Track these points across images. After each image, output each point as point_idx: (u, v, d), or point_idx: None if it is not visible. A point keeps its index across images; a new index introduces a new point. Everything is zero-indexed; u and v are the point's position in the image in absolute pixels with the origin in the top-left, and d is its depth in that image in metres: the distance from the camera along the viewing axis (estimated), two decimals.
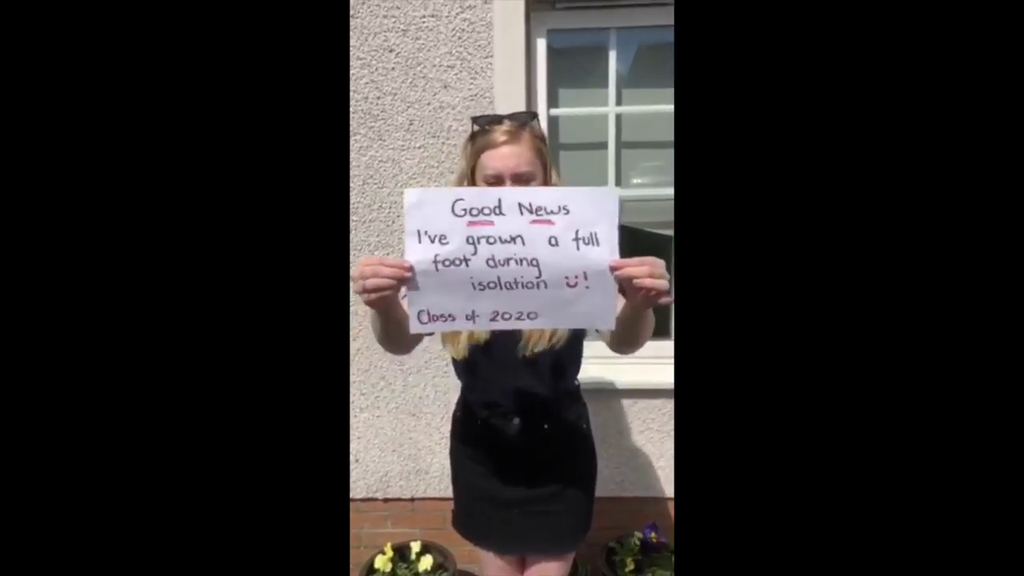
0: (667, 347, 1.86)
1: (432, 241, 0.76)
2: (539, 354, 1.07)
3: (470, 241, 0.76)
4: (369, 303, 0.78)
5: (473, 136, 1.03)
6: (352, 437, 1.84)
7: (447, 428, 1.33)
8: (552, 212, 0.75)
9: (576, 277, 0.76)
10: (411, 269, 0.76)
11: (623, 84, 1.82)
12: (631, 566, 1.60)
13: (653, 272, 0.76)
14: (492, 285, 0.77)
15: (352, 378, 1.80)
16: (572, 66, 1.82)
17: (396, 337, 0.93)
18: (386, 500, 1.86)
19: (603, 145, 1.82)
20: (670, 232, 1.81)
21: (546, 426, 1.13)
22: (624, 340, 0.96)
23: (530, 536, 1.19)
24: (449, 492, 1.31)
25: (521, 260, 0.76)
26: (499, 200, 0.75)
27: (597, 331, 0.93)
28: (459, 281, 0.77)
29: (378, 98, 1.68)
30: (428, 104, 1.68)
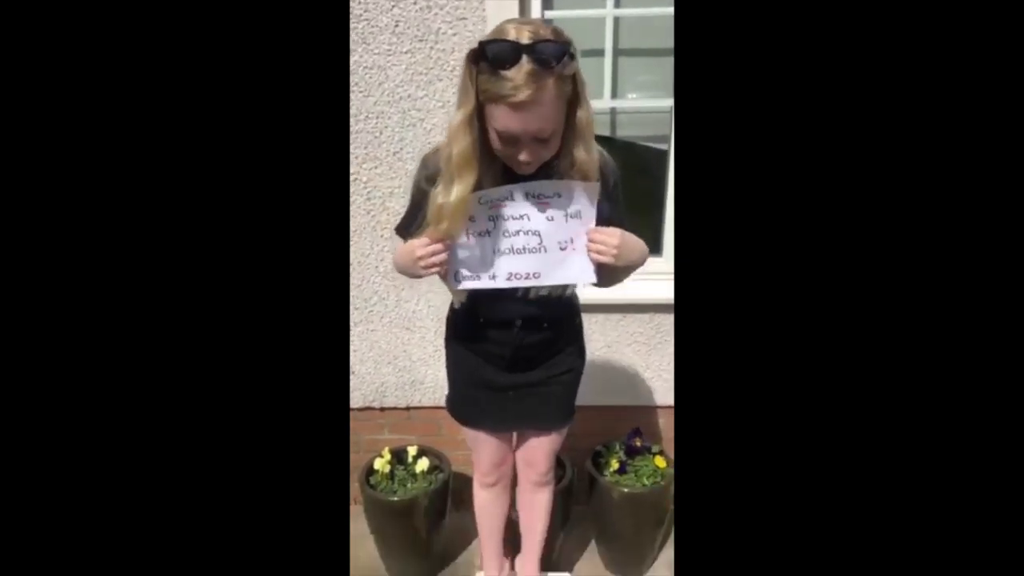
0: (654, 263, 1.88)
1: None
2: (539, 295, 1.13)
3: (491, 218, 1.04)
4: (428, 275, 1.05)
5: (476, 59, 0.85)
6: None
7: (440, 342, 1.36)
8: (550, 197, 1.03)
9: (567, 242, 1.05)
10: (450, 242, 1.03)
11: None
12: (615, 466, 1.70)
13: (596, 240, 1.02)
14: (507, 251, 1.06)
15: None
16: None
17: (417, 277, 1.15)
18: (383, 409, 1.94)
19: (600, 52, 1.73)
20: (665, 146, 1.77)
21: (546, 325, 1.19)
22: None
23: (522, 414, 1.28)
24: (444, 400, 1.37)
25: (528, 232, 1.05)
26: (511, 192, 1.03)
27: None
28: (484, 248, 1.06)
29: None
30: (414, 3, 1.57)
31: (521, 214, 1.04)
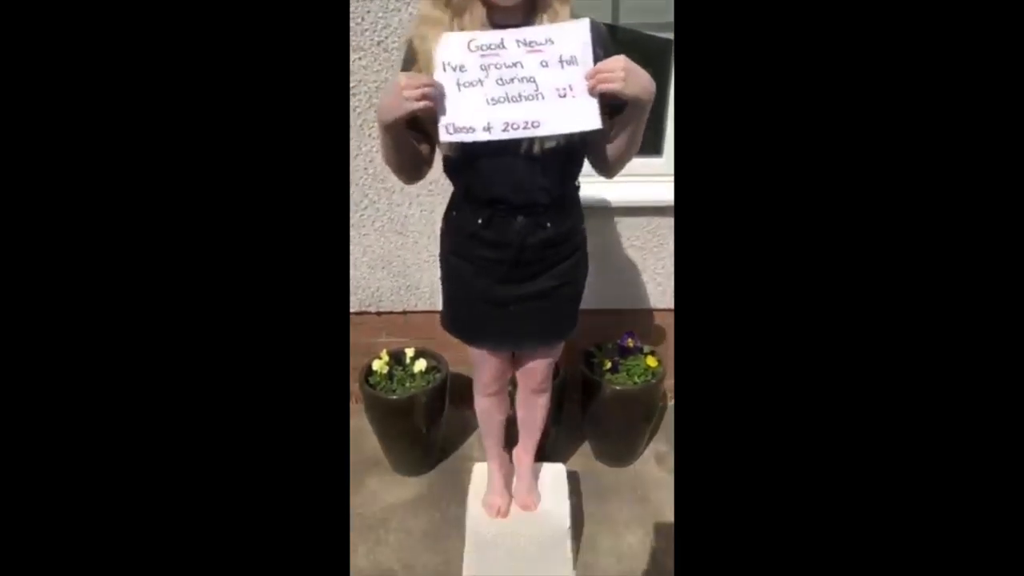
0: (654, 164, 1.82)
1: (454, 70, 0.98)
2: (547, 152, 1.04)
3: (483, 68, 0.98)
4: (415, 109, 0.96)
5: None
6: None
7: (434, 247, 1.34)
8: (541, 44, 0.97)
9: (565, 88, 0.98)
10: (439, 86, 0.98)
11: None
12: (608, 366, 1.75)
13: (602, 70, 0.96)
14: (502, 99, 0.99)
15: None
16: None
17: (410, 165, 1.12)
18: (379, 314, 1.96)
19: None
20: (670, 35, 1.65)
21: (548, 224, 1.13)
22: (609, 160, 1.12)
23: (523, 330, 1.25)
24: (439, 305, 1.37)
25: (522, 79, 0.98)
26: (501, 39, 0.97)
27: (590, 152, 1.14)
28: (477, 98, 0.99)
29: None
30: None
31: (514, 62, 0.97)
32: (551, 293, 1.20)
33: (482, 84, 0.98)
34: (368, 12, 1.53)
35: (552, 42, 0.97)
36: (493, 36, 0.97)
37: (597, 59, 0.97)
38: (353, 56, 1.58)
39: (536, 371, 1.38)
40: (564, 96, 0.98)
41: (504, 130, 0.99)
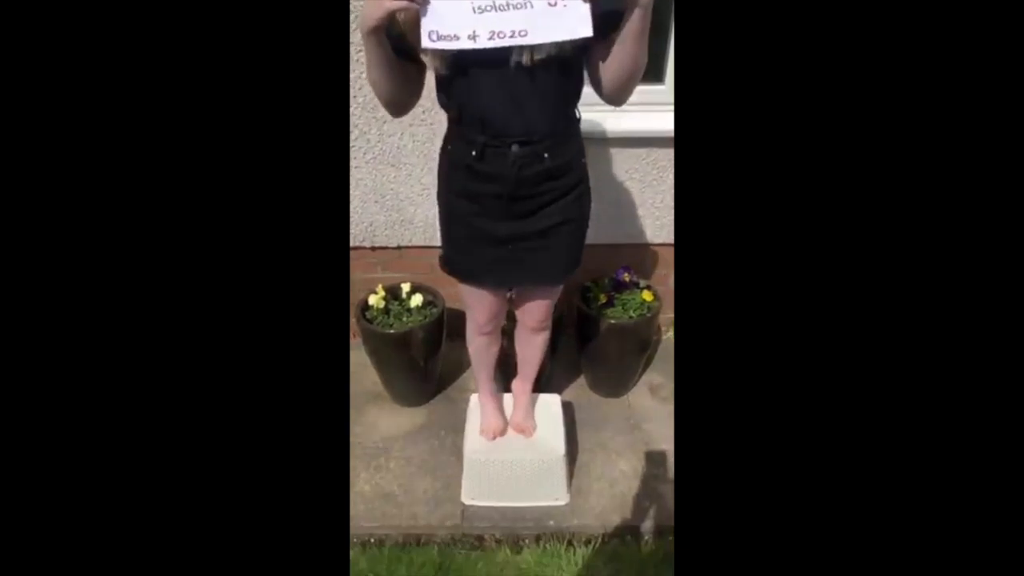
0: (655, 92, 1.75)
1: None
2: (538, 63, 0.98)
3: None
4: (395, 8, 0.90)
5: None
6: None
7: (428, 179, 1.30)
8: None
9: None
10: None
11: None
12: (603, 300, 1.76)
13: None
14: (488, 8, 0.93)
15: None
16: None
17: (398, 86, 1.05)
18: (374, 248, 1.94)
19: None
20: None
21: (546, 155, 1.08)
22: (613, 75, 1.03)
23: (523, 269, 1.22)
24: (435, 241, 1.34)
25: None
26: None
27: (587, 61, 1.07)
28: (462, 5, 0.93)
29: None
30: None
31: None
32: (551, 231, 1.17)
33: None
34: None
35: None
36: None
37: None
38: None
39: (535, 310, 1.37)
40: (554, 5, 0.92)
41: (490, 38, 0.94)
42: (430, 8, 0.93)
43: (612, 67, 1.02)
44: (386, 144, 1.75)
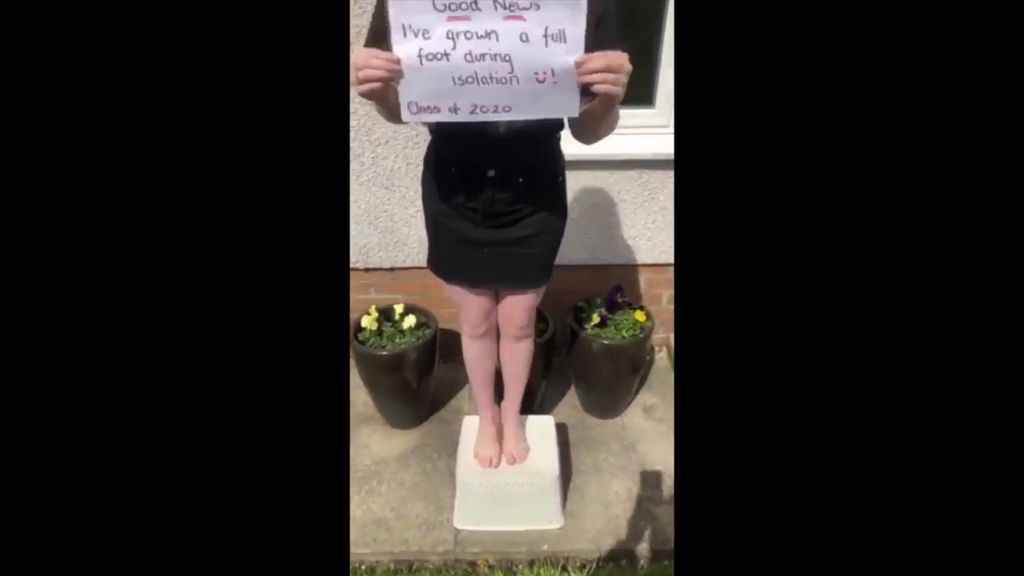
0: (645, 116, 1.78)
1: (416, 35, 0.84)
2: (515, 130, 1.03)
3: (450, 36, 0.83)
4: (362, 94, 0.87)
5: None
6: None
7: (421, 202, 1.32)
8: (524, 8, 0.81)
9: (545, 73, 0.85)
10: (399, 62, 0.85)
11: None
12: (596, 320, 1.76)
13: (609, 67, 0.84)
14: (471, 80, 0.86)
15: None
16: None
17: (395, 117, 0.98)
18: (367, 270, 1.94)
19: None
20: None
21: (521, 179, 1.14)
22: (586, 132, 1.06)
23: (501, 272, 1.28)
24: (427, 262, 1.36)
25: (495, 56, 0.84)
26: None
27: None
28: (442, 75, 0.86)
29: None
30: None
31: (488, 31, 0.82)
32: (525, 241, 1.22)
33: (448, 58, 0.84)
34: None
35: (538, 8, 0.81)
36: None
37: (588, 36, 0.83)
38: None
39: (516, 315, 1.39)
40: (543, 81, 0.85)
41: (472, 112, 0.89)
42: (409, 79, 0.86)
43: (586, 124, 1.04)
44: (380, 167, 1.76)
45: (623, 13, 1.02)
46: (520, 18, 0.82)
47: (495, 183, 1.12)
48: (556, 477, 1.53)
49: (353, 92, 0.88)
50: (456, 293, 1.36)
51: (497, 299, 1.39)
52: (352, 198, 1.81)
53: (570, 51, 0.84)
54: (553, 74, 0.85)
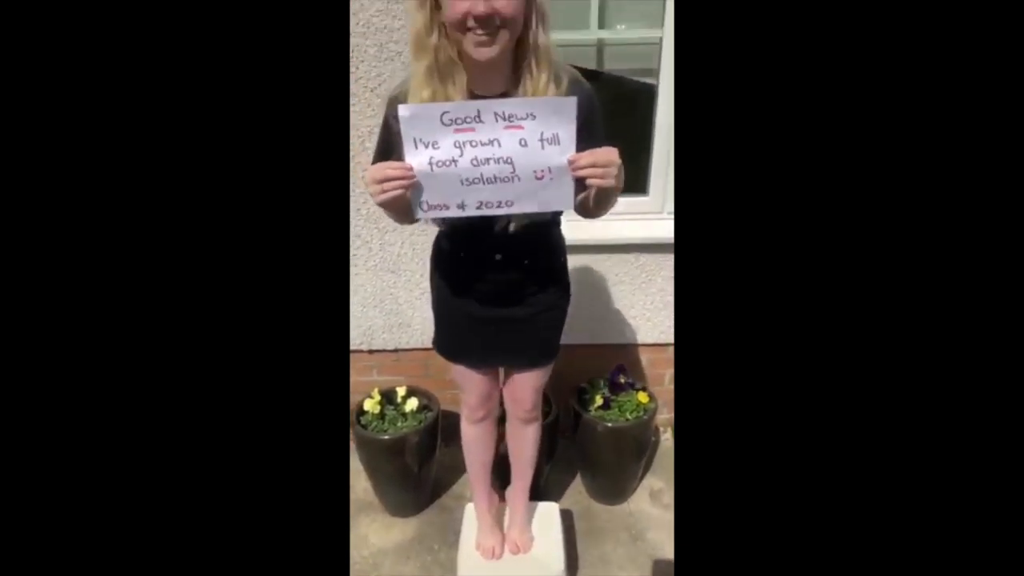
0: (640, 203, 1.86)
1: (427, 147, 0.95)
2: (519, 226, 1.10)
3: (457, 145, 0.94)
4: (382, 202, 0.97)
5: None
6: None
7: (426, 284, 1.36)
8: (521, 119, 0.93)
9: (543, 171, 0.96)
10: (411, 170, 0.95)
11: None
12: (599, 402, 1.75)
13: (596, 163, 0.94)
14: (476, 181, 0.97)
15: None
16: None
17: (404, 218, 1.09)
18: (371, 352, 1.96)
19: None
20: (654, 80, 1.71)
21: (526, 261, 1.19)
22: (588, 214, 1.14)
23: (505, 351, 1.30)
24: (431, 343, 1.38)
25: (498, 159, 0.95)
26: (477, 111, 0.93)
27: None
28: (451, 179, 0.97)
29: None
30: None
31: (490, 139, 0.93)
32: (531, 319, 1.25)
33: (456, 164, 0.95)
34: (363, 61, 1.59)
35: (534, 117, 0.93)
36: (468, 108, 0.93)
37: (578, 137, 0.94)
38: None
39: (523, 396, 1.39)
40: (541, 178, 0.97)
41: (478, 207, 1.00)
42: (421, 184, 0.97)
43: (586, 211, 1.13)
44: (387, 252, 1.83)
45: (611, 122, 1.12)
46: (519, 127, 0.94)
47: (502, 265, 1.18)
48: (562, 570, 1.46)
49: (366, 195, 0.95)
50: (459, 374, 1.37)
51: (504, 380, 1.39)
52: (359, 282, 1.86)
53: (563, 151, 0.95)
54: (550, 172, 0.96)
